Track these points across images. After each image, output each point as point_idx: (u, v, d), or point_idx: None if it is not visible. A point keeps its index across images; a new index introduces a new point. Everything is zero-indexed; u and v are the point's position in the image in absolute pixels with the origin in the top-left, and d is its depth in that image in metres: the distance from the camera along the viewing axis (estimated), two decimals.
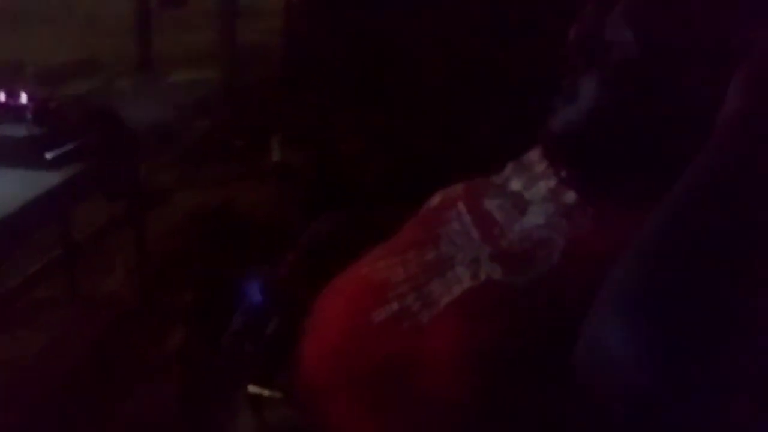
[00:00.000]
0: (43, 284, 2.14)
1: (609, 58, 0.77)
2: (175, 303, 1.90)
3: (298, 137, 2.75)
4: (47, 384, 1.79)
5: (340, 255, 0.99)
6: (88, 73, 3.36)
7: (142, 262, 2.16)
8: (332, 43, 2.78)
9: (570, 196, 0.80)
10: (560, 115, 0.81)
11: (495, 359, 0.73)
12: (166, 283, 2.15)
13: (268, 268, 1.08)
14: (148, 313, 2.05)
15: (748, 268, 0.47)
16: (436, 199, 0.96)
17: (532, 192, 0.84)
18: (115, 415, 1.65)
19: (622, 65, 0.76)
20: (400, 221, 0.98)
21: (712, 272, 0.48)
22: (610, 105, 0.77)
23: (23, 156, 1.74)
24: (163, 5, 3.66)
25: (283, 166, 2.65)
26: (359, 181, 2.25)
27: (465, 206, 0.89)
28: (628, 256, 0.54)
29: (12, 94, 1.87)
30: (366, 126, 2.61)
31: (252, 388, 0.86)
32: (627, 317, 0.50)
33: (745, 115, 0.52)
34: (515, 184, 0.88)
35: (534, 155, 0.90)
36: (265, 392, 0.86)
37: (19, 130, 1.81)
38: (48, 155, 1.74)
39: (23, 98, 1.86)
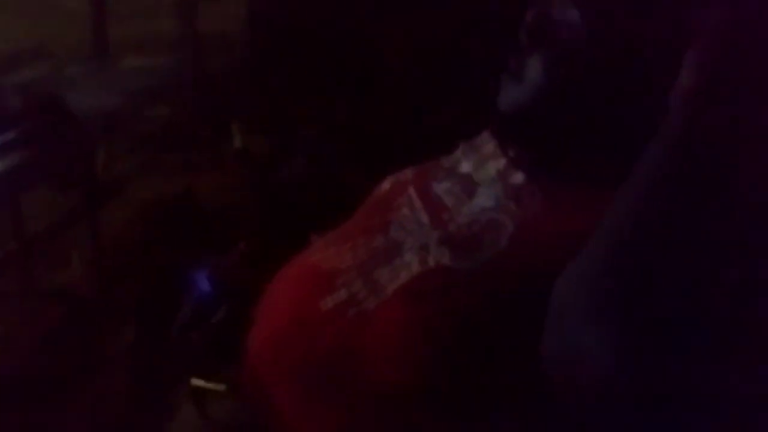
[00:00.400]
0: None
1: (556, 38, 0.76)
2: (132, 295, 1.86)
3: (259, 124, 2.71)
4: (0, 377, 1.75)
5: (291, 243, 0.97)
6: (40, 59, 3.28)
7: (98, 254, 2.11)
8: (294, 30, 2.75)
9: (518, 177, 0.80)
10: (507, 94, 0.81)
11: (440, 344, 0.72)
12: (123, 275, 2.10)
13: (217, 256, 1.05)
14: (104, 305, 2.01)
15: (710, 251, 0.47)
16: (386, 185, 0.95)
17: (481, 173, 0.84)
18: (69, 407, 1.62)
19: (569, 45, 0.75)
20: (352, 208, 0.96)
21: (676, 259, 0.47)
22: (557, 85, 0.77)
23: None
24: None
25: (244, 153, 2.61)
26: (318, 168, 2.23)
27: (415, 191, 0.89)
28: (593, 244, 0.53)
29: None
30: (327, 112, 2.59)
31: (195, 381, 0.84)
32: (597, 310, 0.50)
33: (699, 92, 0.51)
34: (465, 166, 0.88)
35: (485, 136, 0.90)
36: (209, 385, 0.84)
37: None
38: None
39: None
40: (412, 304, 0.75)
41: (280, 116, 2.71)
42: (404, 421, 0.74)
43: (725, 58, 0.51)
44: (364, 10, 2.64)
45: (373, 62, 2.62)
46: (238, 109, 2.79)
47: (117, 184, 2.65)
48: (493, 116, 0.84)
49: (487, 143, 0.87)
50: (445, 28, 2.43)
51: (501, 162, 0.83)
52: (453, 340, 0.72)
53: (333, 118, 2.58)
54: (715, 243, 0.47)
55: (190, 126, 2.99)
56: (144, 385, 1.14)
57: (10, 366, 1.79)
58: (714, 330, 0.46)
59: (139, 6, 3.85)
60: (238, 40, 3.26)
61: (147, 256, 2.13)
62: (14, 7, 3.57)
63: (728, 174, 0.48)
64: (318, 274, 0.83)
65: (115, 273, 2.16)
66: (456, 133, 0.94)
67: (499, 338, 0.70)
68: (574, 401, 0.53)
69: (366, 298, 0.77)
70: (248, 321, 0.88)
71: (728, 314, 0.46)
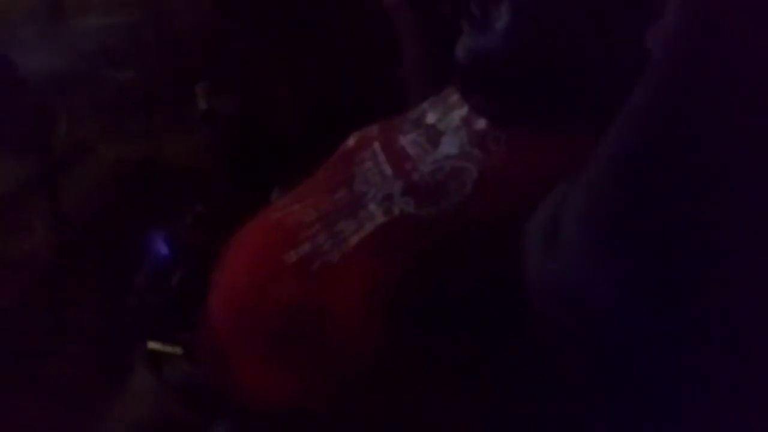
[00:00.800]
0: None
1: None
2: (96, 261, 1.83)
3: (225, 84, 2.65)
4: None
5: (252, 203, 0.95)
6: None
7: (59, 220, 2.06)
8: None
9: (481, 123, 0.79)
10: (470, 42, 0.78)
11: (404, 293, 0.71)
12: (86, 242, 2.06)
13: (176, 218, 1.02)
14: (66, 272, 1.97)
15: (699, 204, 0.44)
16: (351, 141, 0.93)
17: (446, 122, 0.83)
18: (34, 377, 1.59)
19: None
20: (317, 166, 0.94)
21: (664, 210, 0.45)
22: (525, 33, 0.75)
23: None
24: None
25: (210, 115, 2.55)
26: (285, 128, 2.19)
27: (380, 145, 0.87)
28: (579, 186, 0.51)
29: None
30: (294, 71, 2.54)
31: (152, 344, 0.82)
32: (598, 245, 0.47)
33: (686, 31, 0.47)
34: (431, 117, 0.86)
35: (452, 86, 0.87)
36: (166, 348, 0.82)
37: None
38: None
39: None
40: (376, 255, 0.74)
41: (247, 76, 2.66)
42: (369, 380, 0.72)
43: None
44: None
45: (338, 18, 2.57)
46: (202, 70, 2.72)
47: (80, 148, 2.59)
48: (454, 65, 0.82)
49: (453, 93, 0.86)
50: None
51: (464, 109, 0.81)
52: (420, 291, 0.71)
53: (300, 76, 2.53)
54: (723, 170, 0.44)
55: (154, 88, 2.91)
56: (104, 349, 1.12)
57: None
58: (727, 261, 0.44)
59: None
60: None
61: (111, 221, 2.08)
62: None
63: (727, 105, 0.45)
64: (281, 230, 0.82)
65: (79, 239, 2.11)
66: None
67: (467, 284, 0.69)
68: (562, 338, 0.51)
69: (330, 250, 0.76)
70: (207, 283, 0.86)
71: (742, 245, 0.44)
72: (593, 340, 0.48)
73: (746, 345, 0.45)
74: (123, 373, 0.83)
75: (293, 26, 2.69)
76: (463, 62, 0.79)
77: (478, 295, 0.68)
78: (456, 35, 0.80)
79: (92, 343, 1.45)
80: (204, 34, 3.11)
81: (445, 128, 0.82)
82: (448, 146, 0.79)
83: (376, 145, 0.87)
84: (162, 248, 0.95)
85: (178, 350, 0.82)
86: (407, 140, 0.84)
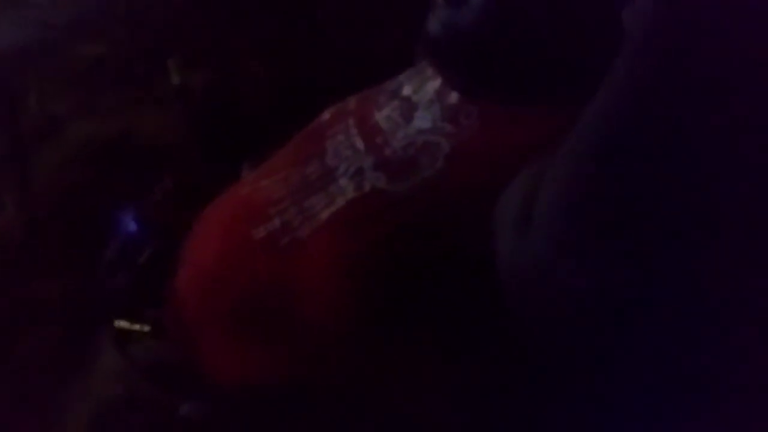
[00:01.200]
0: None
1: None
2: (65, 238, 1.79)
3: (198, 58, 2.60)
4: None
5: (221, 179, 0.93)
6: None
7: (29, 197, 2.02)
8: None
9: (453, 96, 0.78)
10: (444, 16, 0.77)
11: (374, 268, 0.72)
12: (58, 219, 2.03)
13: (144, 195, 1.01)
14: (36, 250, 1.94)
15: (676, 188, 0.44)
16: (326, 115, 0.92)
17: (420, 94, 0.82)
18: (6, 357, 1.57)
19: None
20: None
21: (640, 195, 0.46)
22: (501, 10, 0.75)
23: None
24: None
25: (183, 90, 2.51)
26: (259, 103, 2.16)
27: (354, 119, 0.86)
28: (554, 169, 0.50)
29: None
30: (268, 45, 2.50)
31: (119, 323, 0.81)
32: (567, 231, 0.48)
33: (661, 9, 0.46)
34: (407, 89, 0.86)
35: None
36: (133, 326, 0.81)
37: None
38: None
39: None
40: (346, 231, 0.74)
41: (220, 49, 2.62)
42: (339, 354, 0.72)
43: None
44: None
45: None
46: (175, 44, 2.68)
47: (51, 124, 2.54)
48: (427, 39, 0.81)
49: (430, 66, 0.84)
50: None
51: (438, 82, 0.80)
52: (389, 265, 0.71)
53: (275, 50, 2.49)
54: (703, 162, 0.44)
55: (125, 63, 2.86)
56: (72, 327, 1.11)
57: None
58: (697, 254, 0.44)
59: None
60: None
61: (82, 197, 2.05)
62: None
63: (704, 83, 0.44)
64: (250, 205, 0.81)
65: (50, 217, 2.08)
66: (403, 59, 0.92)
67: (437, 259, 0.69)
68: (531, 317, 0.51)
69: (300, 225, 0.76)
70: (175, 260, 0.84)
71: (716, 238, 0.44)
72: (565, 321, 0.48)
73: (717, 324, 0.45)
74: (91, 351, 0.82)
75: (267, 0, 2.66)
76: (437, 36, 0.78)
77: (448, 270, 0.68)
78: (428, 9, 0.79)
79: (60, 321, 1.43)
80: (176, 6, 3.05)
81: (420, 100, 0.81)
82: (421, 120, 0.79)
83: (351, 120, 0.87)
84: (130, 225, 0.93)
85: (145, 328, 0.81)
86: (382, 115, 0.84)
